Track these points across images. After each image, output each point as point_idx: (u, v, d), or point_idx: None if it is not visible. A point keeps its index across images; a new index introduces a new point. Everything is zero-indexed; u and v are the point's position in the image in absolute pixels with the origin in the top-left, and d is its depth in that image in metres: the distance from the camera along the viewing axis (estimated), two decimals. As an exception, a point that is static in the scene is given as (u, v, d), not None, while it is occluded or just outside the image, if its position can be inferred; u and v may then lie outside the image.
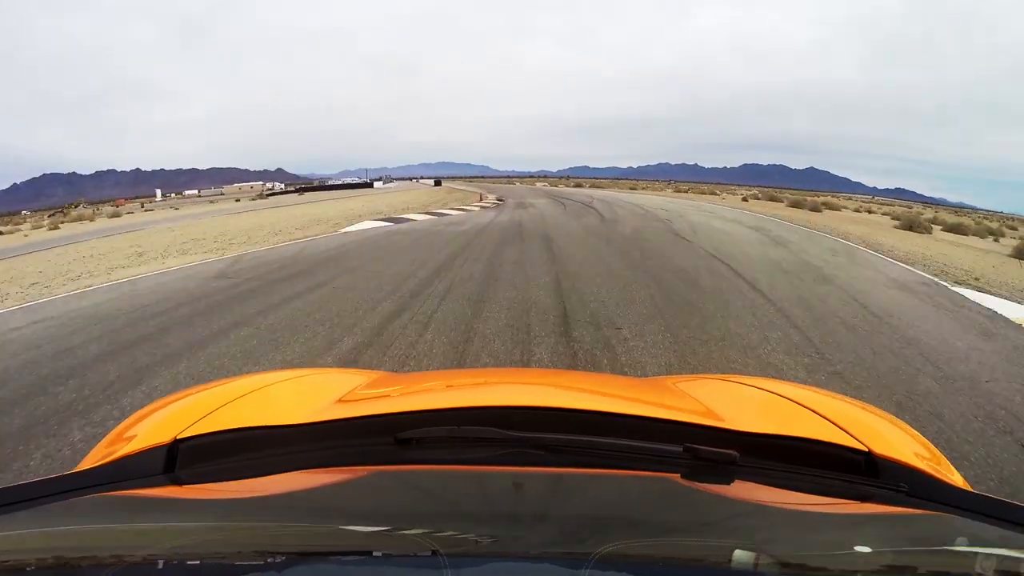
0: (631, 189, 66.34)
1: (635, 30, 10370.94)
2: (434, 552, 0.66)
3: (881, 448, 1.11)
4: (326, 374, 1.95)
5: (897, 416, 1.41)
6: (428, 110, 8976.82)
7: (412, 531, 0.76)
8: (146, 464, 1.09)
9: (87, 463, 1.15)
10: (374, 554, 0.72)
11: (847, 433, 1.16)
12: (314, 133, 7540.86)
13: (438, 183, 72.39)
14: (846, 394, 2.64)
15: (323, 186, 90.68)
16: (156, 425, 1.23)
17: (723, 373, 3.14)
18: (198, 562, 0.69)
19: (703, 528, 0.89)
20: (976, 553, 0.75)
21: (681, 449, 1.03)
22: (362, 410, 1.29)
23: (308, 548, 0.75)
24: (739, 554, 0.68)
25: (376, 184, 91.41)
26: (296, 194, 70.47)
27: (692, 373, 4.46)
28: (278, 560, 0.70)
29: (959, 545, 0.80)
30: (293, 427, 1.16)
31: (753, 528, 0.90)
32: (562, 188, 65.18)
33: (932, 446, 1.31)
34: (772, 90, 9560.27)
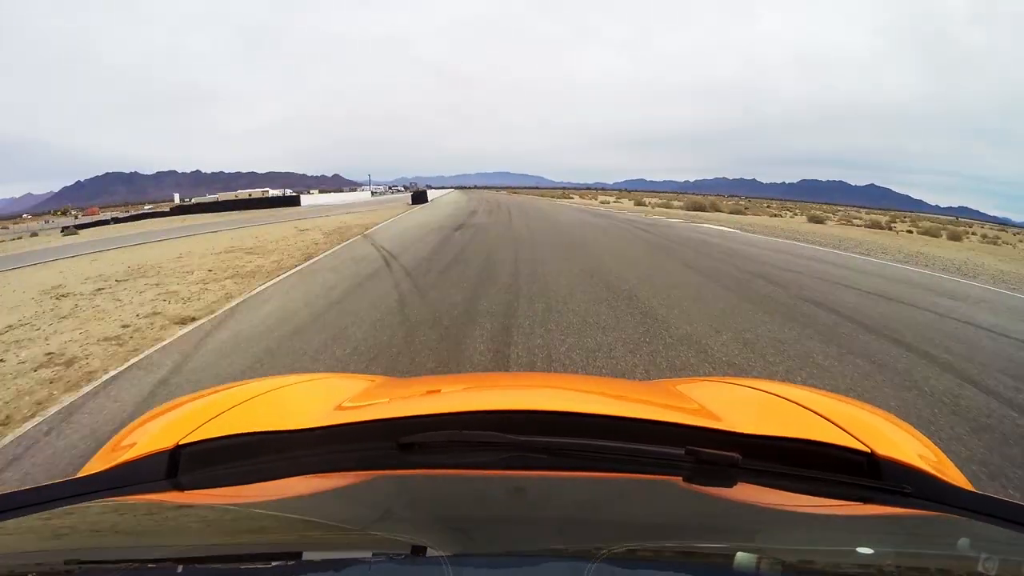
0: (775, 215, 40.12)
1: (693, 40, 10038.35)
2: (436, 556, 0.67)
3: (883, 449, 1.12)
4: (328, 379, 2.00)
5: None
6: (485, 120, 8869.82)
7: (415, 535, 0.77)
8: (149, 469, 1.10)
9: (90, 468, 1.16)
10: (377, 558, 0.73)
11: (849, 434, 1.18)
12: (371, 140, 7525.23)
13: (419, 198, 46.33)
14: None
15: (215, 204, 59.85)
16: (158, 431, 1.25)
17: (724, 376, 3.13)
18: (200, 567, 0.70)
19: (705, 530, 0.90)
20: (979, 554, 0.75)
21: (683, 452, 1.05)
22: (364, 415, 1.31)
23: (310, 552, 0.76)
24: (741, 556, 0.68)
25: (310, 200, 59.45)
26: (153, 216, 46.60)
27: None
28: (280, 565, 0.71)
29: (962, 546, 0.81)
30: (295, 432, 1.18)
31: (755, 530, 0.91)
32: (651, 211, 35.98)
33: (934, 446, 1.33)
34: (832, 103, 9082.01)
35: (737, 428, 1.18)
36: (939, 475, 1.09)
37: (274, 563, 0.72)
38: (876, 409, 1.50)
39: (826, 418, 1.28)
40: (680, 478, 1.03)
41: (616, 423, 1.21)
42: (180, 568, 0.69)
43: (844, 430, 1.20)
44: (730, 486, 1.02)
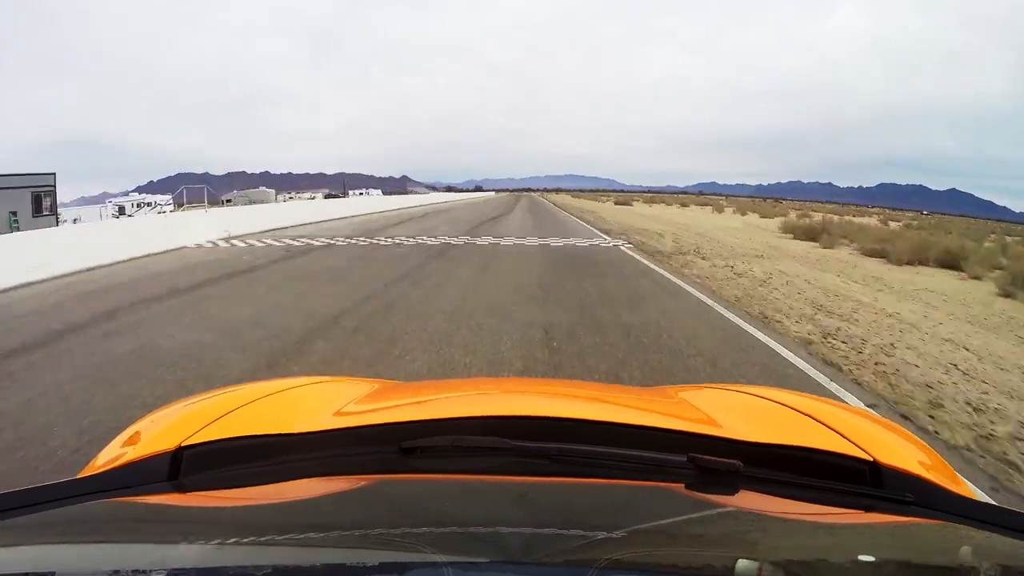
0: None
1: (766, 41, 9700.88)
2: (438, 562, 0.69)
3: (886, 457, 1.16)
4: (331, 383, 1.99)
5: None
6: (555, 122, 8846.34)
7: (416, 541, 0.79)
8: (150, 471, 1.13)
9: (90, 469, 1.20)
10: (378, 564, 0.75)
11: (851, 442, 1.21)
12: (440, 142, 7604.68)
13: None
14: None
15: None
16: (160, 432, 1.29)
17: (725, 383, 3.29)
18: (201, 569, 0.72)
19: (707, 538, 0.94)
20: (981, 563, 0.77)
21: (685, 459, 1.08)
22: (366, 419, 1.36)
23: (311, 557, 0.79)
24: (742, 564, 0.70)
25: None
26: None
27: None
28: (280, 568, 0.73)
29: (964, 555, 0.83)
30: (297, 435, 1.22)
31: (757, 538, 0.94)
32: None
33: (937, 454, 1.38)
34: (913, 104, 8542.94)
35: (739, 435, 1.21)
36: (941, 483, 1.12)
37: (275, 566, 0.74)
38: (878, 417, 1.66)
39: (828, 426, 1.32)
40: (682, 485, 1.06)
41: (618, 429, 1.25)
42: (179, 572, 0.71)
43: (846, 438, 1.24)
44: (732, 493, 1.05)
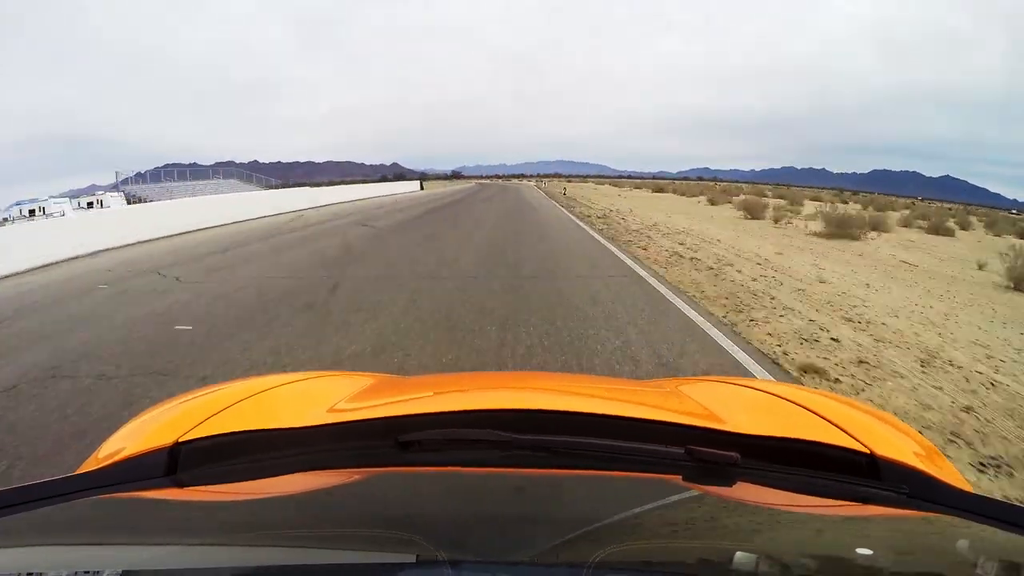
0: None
1: (762, 23, 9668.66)
2: (435, 556, 0.70)
3: (883, 449, 1.16)
4: (329, 378, 2.02)
5: None
6: (547, 109, 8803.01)
7: (412, 535, 0.80)
8: (148, 466, 1.15)
9: (88, 465, 1.22)
10: (376, 557, 0.77)
11: (848, 435, 1.22)
12: (432, 129, 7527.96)
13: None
14: None
15: None
16: (158, 428, 1.30)
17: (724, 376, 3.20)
18: (198, 567, 0.73)
19: (704, 531, 0.94)
20: (977, 556, 0.78)
21: (682, 451, 1.09)
22: (364, 413, 1.37)
23: (309, 551, 0.80)
24: (740, 556, 0.71)
25: None
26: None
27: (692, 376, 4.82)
28: (279, 565, 0.75)
29: (960, 548, 0.85)
30: (294, 430, 1.23)
31: (754, 530, 0.95)
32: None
33: (933, 447, 1.39)
34: (908, 89, 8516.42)
35: (737, 428, 1.22)
36: (938, 476, 1.13)
37: (273, 560, 0.75)
38: (876, 410, 1.59)
39: (826, 418, 1.33)
40: (679, 477, 1.07)
41: (615, 422, 1.25)
42: (178, 567, 0.72)
43: (844, 430, 1.25)
44: (729, 486, 1.05)
